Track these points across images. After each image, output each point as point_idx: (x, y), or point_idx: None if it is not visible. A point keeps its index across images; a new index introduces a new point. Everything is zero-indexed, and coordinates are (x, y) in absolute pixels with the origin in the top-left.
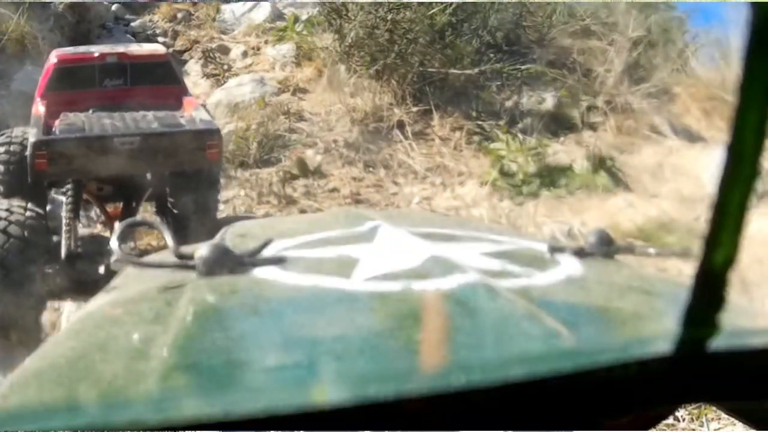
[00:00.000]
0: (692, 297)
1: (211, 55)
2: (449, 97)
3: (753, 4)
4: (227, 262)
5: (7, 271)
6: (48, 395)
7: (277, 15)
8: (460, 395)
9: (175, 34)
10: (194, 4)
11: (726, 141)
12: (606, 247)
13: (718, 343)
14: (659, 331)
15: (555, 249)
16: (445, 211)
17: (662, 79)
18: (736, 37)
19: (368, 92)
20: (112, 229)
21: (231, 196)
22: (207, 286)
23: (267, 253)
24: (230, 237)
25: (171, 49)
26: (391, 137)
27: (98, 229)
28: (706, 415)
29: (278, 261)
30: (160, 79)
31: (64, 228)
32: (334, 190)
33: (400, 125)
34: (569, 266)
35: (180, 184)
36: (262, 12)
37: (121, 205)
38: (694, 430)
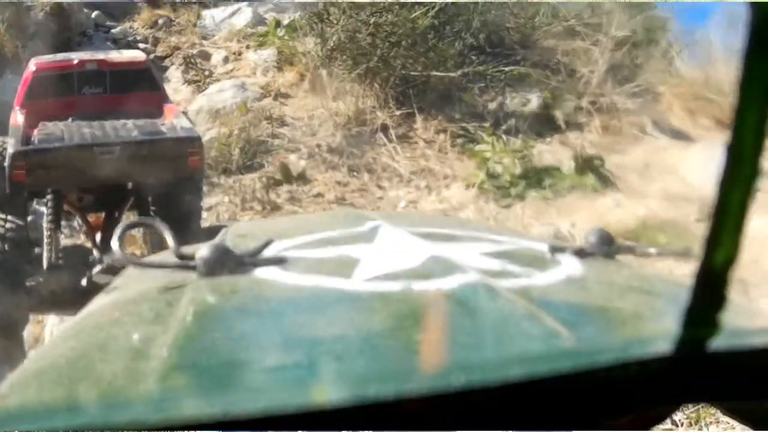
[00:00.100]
0: (692, 297)
1: (192, 61)
2: (433, 100)
3: (753, 4)
4: (228, 263)
5: None
6: (48, 395)
7: (259, 20)
8: (460, 395)
9: (156, 41)
10: (175, 10)
11: (726, 141)
12: (606, 247)
13: (718, 343)
14: (659, 331)
15: (555, 249)
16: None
17: (647, 78)
18: (719, 36)
19: (351, 96)
20: (94, 240)
21: (215, 203)
22: (207, 287)
23: (267, 253)
24: (231, 237)
25: (152, 56)
26: (375, 141)
27: (82, 239)
28: (704, 419)
29: (279, 261)
30: (141, 87)
31: (45, 240)
32: (319, 195)
33: (384, 129)
34: (569, 266)
35: (162, 192)
36: (243, 17)
37: (103, 215)
38: None
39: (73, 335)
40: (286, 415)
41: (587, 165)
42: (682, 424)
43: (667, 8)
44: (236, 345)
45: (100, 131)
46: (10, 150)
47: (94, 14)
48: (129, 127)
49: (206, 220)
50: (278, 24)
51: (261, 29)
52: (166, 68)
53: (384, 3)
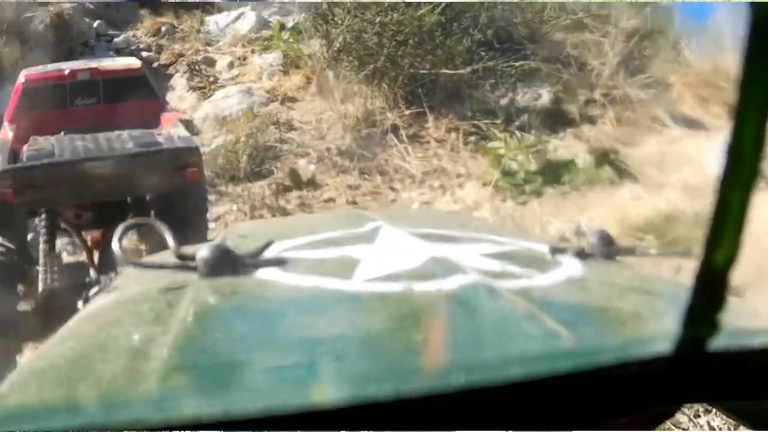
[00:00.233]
0: (693, 297)
1: (197, 67)
2: (442, 98)
3: (753, 4)
4: (228, 263)
5: None
6: (48, 395)
7: (263, 24)
8: (460, 395)
9: (159, 48)
10: (178, 17)
11: (726, 141)
12: (607, 248)
13: (718, 343)
14: (659, 331)
15: (556, 250)
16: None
17: (659, 68)
18: (727, 26)
19: (359, 97)
20: (91, 259)
21: (222, 212)
22: (208, 287)
23: (268, 254)
24: (231, 238)
25: (156, 64)
26: (386, 142)
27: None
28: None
29: (279, 262)
30: (136, 95)
31: (41, 261)
32: (330, 200)
33: (394, 129)
34: (570, 267)
35: (163, 206)
36: (247, 21)
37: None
38: None
39: (73, 335)
40: (286, 415)
41: (604, 158)
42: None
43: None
44: (237, 345)
45: (93, 144)
46: None
47: (95, 24)
48: (124, 139)
49: (214, 230)
50: (283, 27)
51: (265, 33)
52: (170, 76)
53: (389, 1)
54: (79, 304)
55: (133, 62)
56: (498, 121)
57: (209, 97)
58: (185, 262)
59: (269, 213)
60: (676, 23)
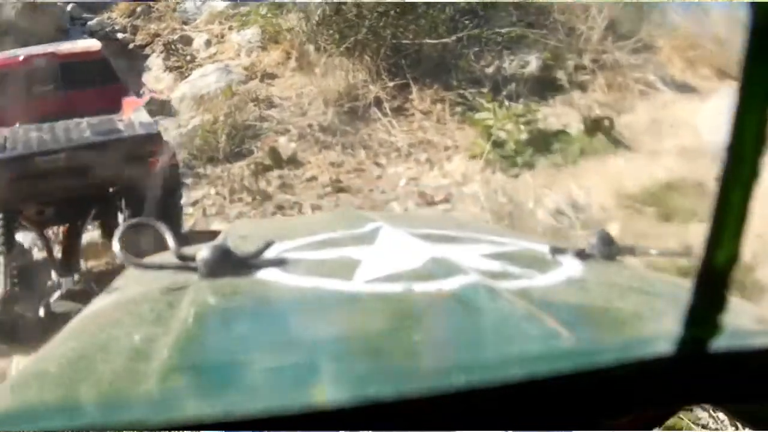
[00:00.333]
0: (693, 297)
1: (173, 47)
2: (427, 69)
3: (753, 4)
4: (229, 264)
5: None
6: (48, 395)
7: None
8: (460, 395)
9: (135, 29)
10: None
11: (726, 141)
12: (607, 248)
13: (719, 343)
14: (660, 332)
15: (556, 250)
16: (435, 191)
17: (647, 31)
18: None
19: (340, 71)
20: (53, 261)
21: (200, 197)
22: (209, 288)
23: (269, 254)
24: (232, 238)
25: (131, 45)
26: (369, 116)
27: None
28: None
29: (280, 263)
30: (97, 79)
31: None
32: (312, 178)
33: (378, 102)
34: (570, 267)
35: (132, 198)
36: None
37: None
38: None
39: (74, 336)
40: (286, 415)
41: (596, 126)
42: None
43: None
44: (237, 346)
45: (49, 135)
46: None
47: (69, 7)
48: (82, 127)
49: (192, 216)
50: (261, 1)
51: (243, 9)
52: (146, 57)
53: None
54: (40, 311)
55: (93, 44)
56: (485, 91)
57: (186, 77)
58: (186, 263)
59: (249, 196)
60: None
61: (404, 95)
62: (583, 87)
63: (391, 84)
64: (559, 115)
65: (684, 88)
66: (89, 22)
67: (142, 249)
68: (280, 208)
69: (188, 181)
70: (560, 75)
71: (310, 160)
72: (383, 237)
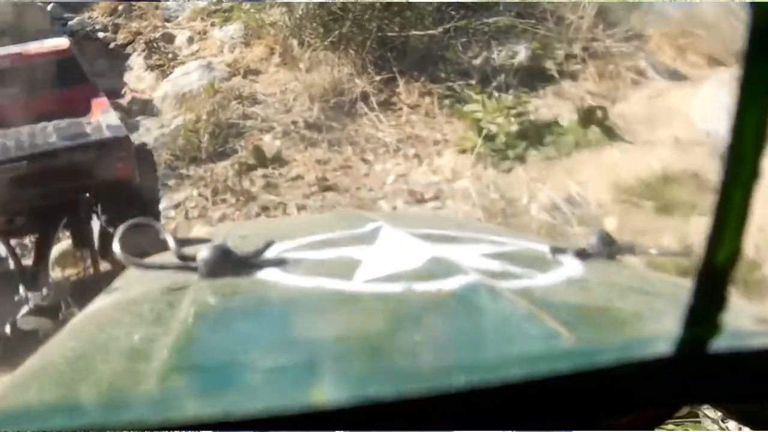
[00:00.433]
0: (694, 297)
1: (155, 45)
2: (414, 62)
3: (753, 4)
4: (229, 264)
5: None
6: (48, 395)
7: None
8: (460, 395)
9: (116, 28)
10: None
11: (727, 141)
12: (607, 247)
13: (719, 343)
14: (660, 332)
15: (556, 250)
16: (425, 188)
17: (635, 19)
18: None
19: (325, 65)
20: (23, 273)
21: (182, 199)
22: (209, 288)
23: (269, 254)
24: (232, 238)
25: (113, 44)
26: (356, 111)
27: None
28: None
29: (280, 263)
30: (66, 80)
31: None
32: (298, 177)
33: (364, 97)
34: (570, 267)
35: (107, 205)
36: None
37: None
38: None
39: (74, 336)
40: (286, 415)
41: (589, 116)
42: None
43: None
44: (237, 346)
45: (13, 141)
46: None
47: (49, 7)
48: (48, 132)
49: (174, 219)
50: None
51: (226, 4)
52: (128, 56)
53: None
54: (7, 329)
55: (61, 43)
56: (473, 83)
57: (168, 75)
58: (186, 263)
59: (233, 197)
60: None
61: (391, 89)
62: (574, 76)
63: (377, 78)
64: (550, 106)
65: (675, 76)
66: (70, 22)
67: (141, 249)
68: (264, 209)
69: (170, 182)
70: (550, 65)
71: (296, 158)
72: (383, 237)
